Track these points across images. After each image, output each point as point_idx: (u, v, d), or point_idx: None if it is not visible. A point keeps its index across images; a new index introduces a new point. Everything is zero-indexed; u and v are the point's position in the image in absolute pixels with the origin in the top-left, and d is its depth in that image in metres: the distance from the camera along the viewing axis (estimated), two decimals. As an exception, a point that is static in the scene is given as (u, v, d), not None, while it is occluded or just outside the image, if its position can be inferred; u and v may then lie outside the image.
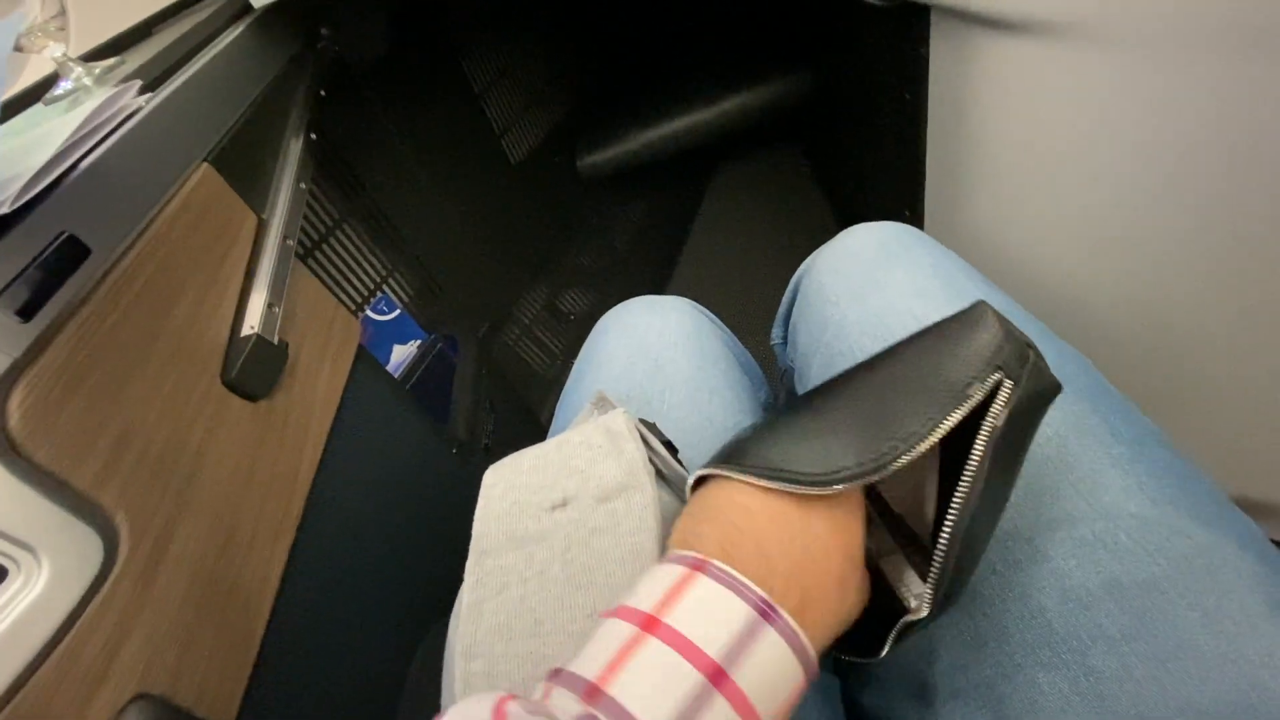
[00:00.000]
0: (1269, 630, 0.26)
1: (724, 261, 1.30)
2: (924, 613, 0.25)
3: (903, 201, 0.86)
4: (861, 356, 0.44)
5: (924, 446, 0.25)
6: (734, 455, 0.29)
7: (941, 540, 0.25)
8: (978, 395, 0.25)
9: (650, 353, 0.51)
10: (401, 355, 0.93)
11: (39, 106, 0.54)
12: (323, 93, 0.67)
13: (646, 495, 0.34)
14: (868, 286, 0.47)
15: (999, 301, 0.44)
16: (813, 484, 0.25)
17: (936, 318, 0.42)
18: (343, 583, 0.52)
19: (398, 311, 0.96)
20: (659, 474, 0.39)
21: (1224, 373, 0.56)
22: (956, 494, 0.25)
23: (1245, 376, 0.55)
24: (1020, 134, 0.66)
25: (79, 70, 0.53)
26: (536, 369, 1.15)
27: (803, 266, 0.54)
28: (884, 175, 0.94)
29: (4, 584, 0.32)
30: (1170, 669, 0.26)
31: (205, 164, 0.50)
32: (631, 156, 1.32)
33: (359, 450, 0.58)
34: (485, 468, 0.40)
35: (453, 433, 0.80)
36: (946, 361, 0.27)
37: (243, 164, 0.54)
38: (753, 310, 1.18)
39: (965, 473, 0.25)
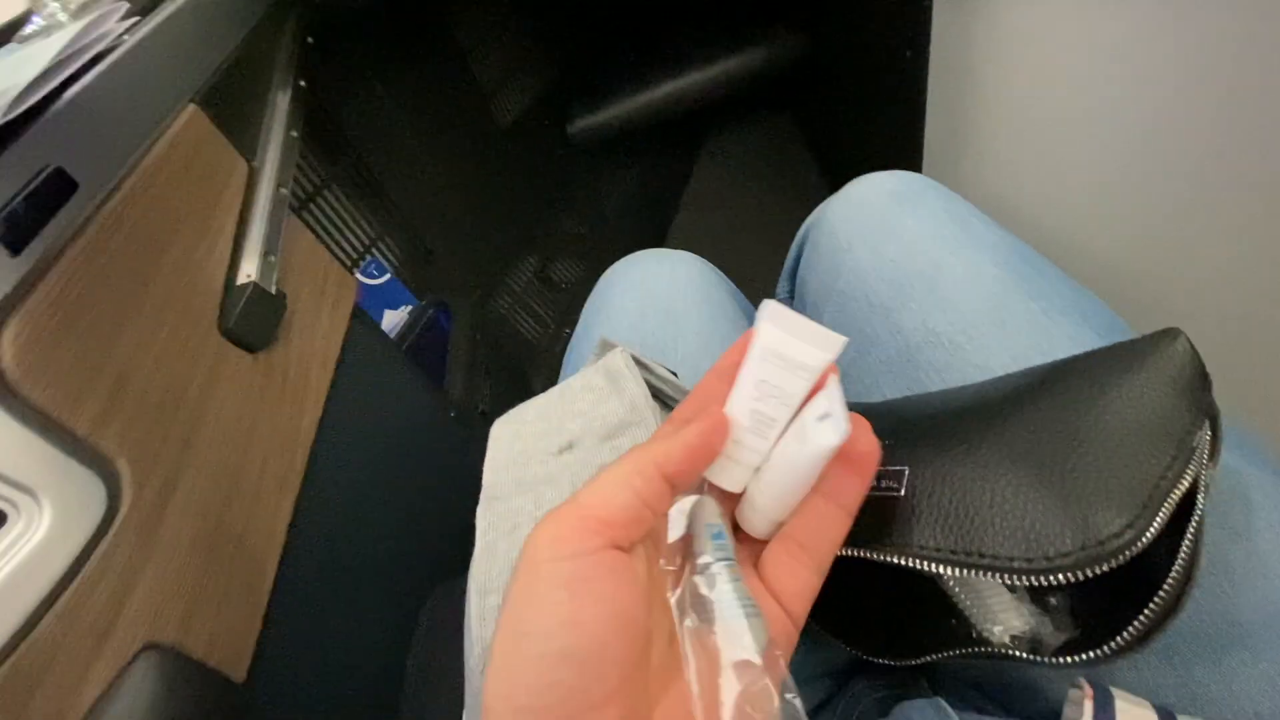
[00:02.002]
0: (1296, 546, 0.26)
1: (716, 227, 1.29)
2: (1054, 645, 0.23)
3: (899, 161, 0.85)
4: (876, 302, 0.44)
5: (1159, 522, 0.21)
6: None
7: (1161, 597, 0.22)
8: (1201, 448, 0.22)
9: (661, 303, 0.51)
10: (393, 320, 0.91)
11: (12, 45, 0.51)
12: (310, 39, 0.64)
13: (649, 429, 0.34)
14: (882, 232, 0.46)
15: (1014, 246, 0.44)
16: (1024, 570, 0.21)
17: (953, 260, 0.43)
18: (348, 538, 0.51)
19: (388, 276, 0.93)
20: (668, 400, 0.39)
21: (1229, 312, 0.57)
22: (1177, 565, 0.22)
23: (1249, 316, 0.56)
24: (1026, 91, 0.66)
25: (53, 5, 0.49)
26: (530, 338, 1.14)
27: (811, 217, 0.54)
28: (881, 137, 0.94)
29: (4, 529, 0.30)
30: (1203, 584, 0.26)
31: (193, 104, 0.47)
32: (623, 121, 1.29)
33: (359, 408, 0.57)
34: (483, 432, 0.39)
35: (449, 398, 0.78)
36: (1148, 393, 0.23)
37: (231, 108, 0.51)
38: (747, 275, 1.17)
39: (1186, 542, 0.22)
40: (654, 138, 1.36)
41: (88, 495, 0.33)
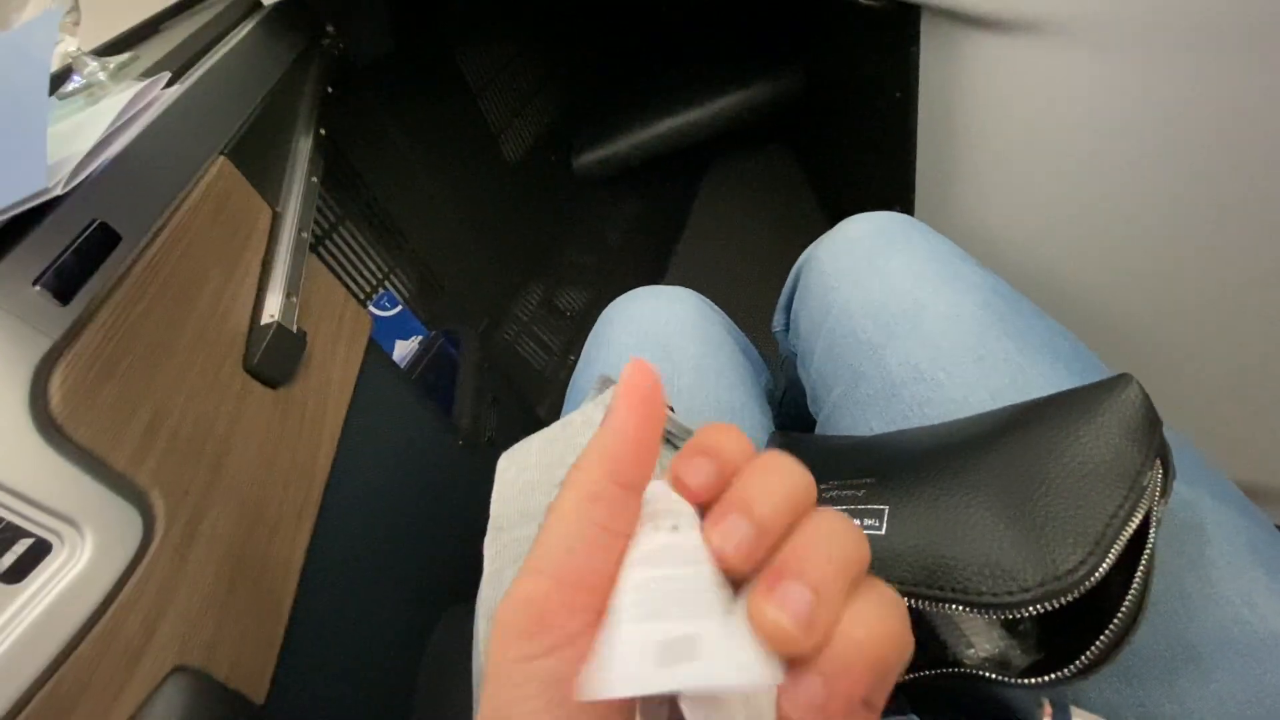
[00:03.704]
0: (1250, 573, 0.28)
1: (716, 259, 1.32)
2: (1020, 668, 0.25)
3: (893, 200, 0.88)
4: (864, 338, 0.47)
5: (1111, 557, 0.23)
6: None
7: (1113, 628, 0.24)
8: (1153, 486, 0.24)
9: (658, 338, 0.53)
10: (404, 350, 0.94)
11: (52, 101, 0.54)
12: (330, 89, 0.68)
13: None
14: (868, 272, 0.49)
15: (994, 285, 0.46)
16: (993, 604, 0.23)
17: (935, 299, 0.45)
18: (362, 566, 0.54)
19: (399, 308, 0.97)
20: (665, 434, 0.42)
21: (1210, 354, 0.59)
22: (1129, 596, 0.24)
23: (1229, 359, 0.58)
24: (1009, 132, 0.69)
25: (93, 65, 0.53)
26: (535, 366, 1.16)
27: (804, 255, 0.57)
28: (874, 173, 0.97)
29: (49, 558, 0.33)
30: (1160, 609, 0.28)
31: (222, 157, 0.51)
32: (625, 156, 1.34)
33: (372, 438, 0.59)
34: (490, 460, 0.42)
35: (458, 426, 0.81)
36: (1102, 438, 0.26)
37: (257, 158, 0.55)
38: (746, 306, 1.20)
39: (1138, 575, 0.24)
40: (656, 171, 1.40)
41: (125, 526, 0.35)
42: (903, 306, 0.45)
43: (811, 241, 0.56)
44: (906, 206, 0.86)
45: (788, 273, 0.58)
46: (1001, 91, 0.67)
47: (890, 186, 0.89)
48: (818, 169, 1.28)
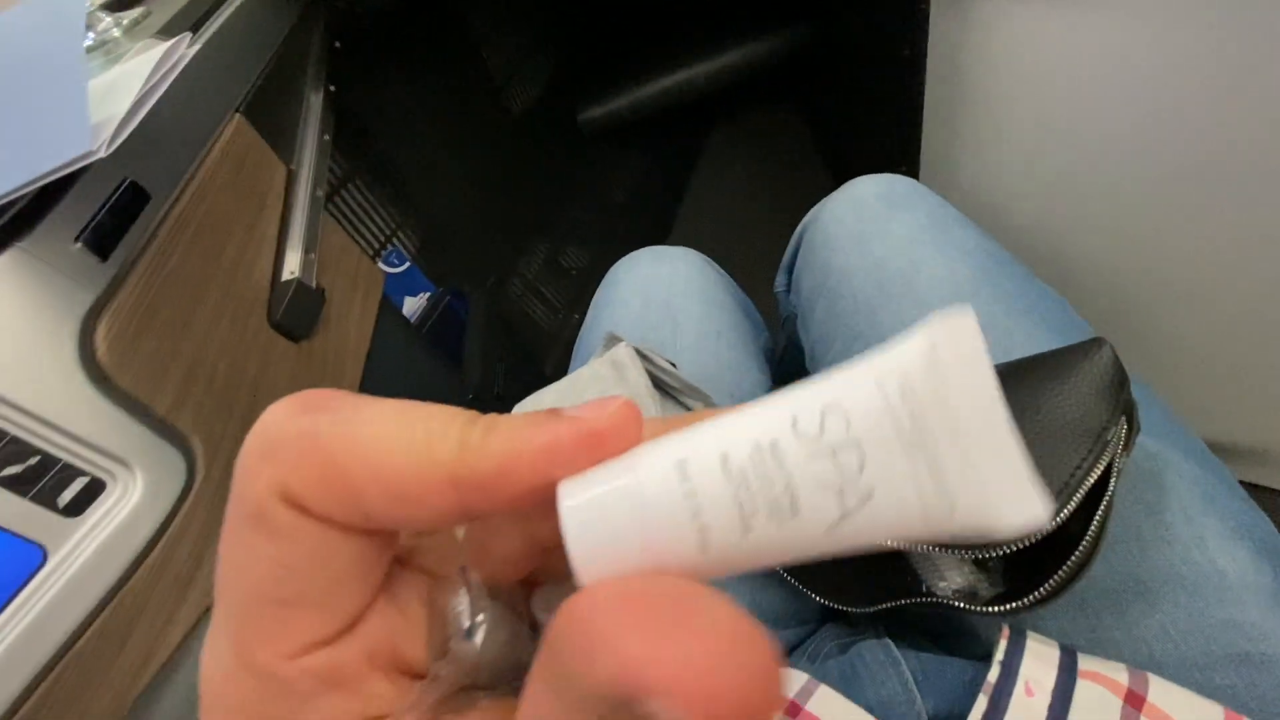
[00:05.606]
0: (1201, 520, 0.31)
1: (721, 218, 1.32)
2: (986, 595, 0.28)
3: (898, 158, 0.88)
4: (861, 299, 0.48)
5: (1073, 504, 0.26)
6: None
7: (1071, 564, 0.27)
8: (1117, 442, 0.27)
9: (661, 299, 0.55)
10: (413, 307, 0.96)
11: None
12: (337, 44, 0.68)
13: (649, 414, 0.39)
14: (870, 234, 0.50)
15: (989, 249, 0.48)
16: (960, 544, 0.26)
17: (931, 262, 0.47)
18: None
19: (408, 264, 0.98)
20: (668, 389, 0.44)
21: (1193, 318, 0.61)
22: (1086, 537, 0.27)
23: (1210, 323, 0.59)
24: (1018, 93, 0.69)
25: (107, 20, 0.54)
26: (541, 323, 1.18)
27: (808, 216, 0.58)
28: (880, 131, 0.97)
29: (104, 495, 0.36)
30: (1115, 548, 0.31)
31: (238, 115, 0.52)
32: (631, 111, 1.33)
33: (388, 392, 0.62)
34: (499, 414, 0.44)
35: (467, 380, 0.84)
36: (1074, 397, 0.28)
37: (269, 116, 0.56)
38: (750, 264, 1.20)
39: (1095, 519, 0.27)
40: (662, 127, 1.39)
41: (170, 467, 0.38)
42: (899, 268, 0.47)
43: (816, 202, 0.57)
44: (912, 167, 0.86)
45: (791, 232, 0.60)
46: (1012, 52, 0.67)
47: (896, 147, 0.89)
48: (824, 128, 1.27)
